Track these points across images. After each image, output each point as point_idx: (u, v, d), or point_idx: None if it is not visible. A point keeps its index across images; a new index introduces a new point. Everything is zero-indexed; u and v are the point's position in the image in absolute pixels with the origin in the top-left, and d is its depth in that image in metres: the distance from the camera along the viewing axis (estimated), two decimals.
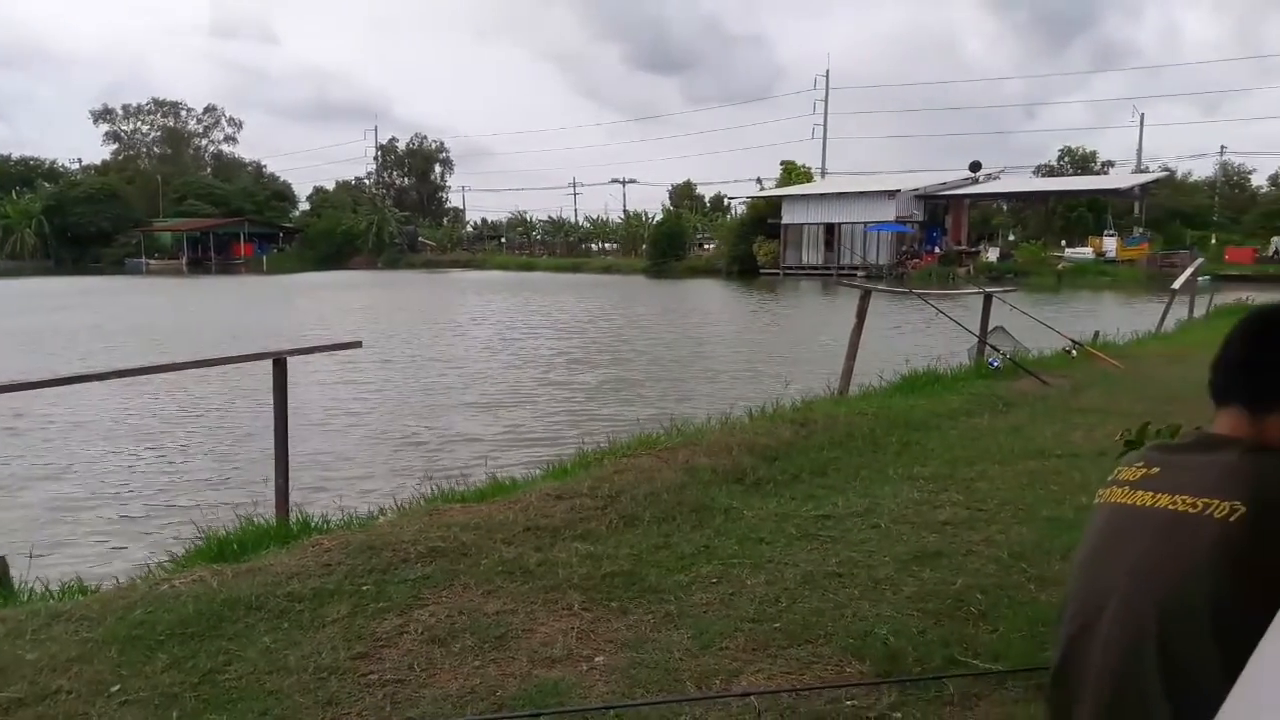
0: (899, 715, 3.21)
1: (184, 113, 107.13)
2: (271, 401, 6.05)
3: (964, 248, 52.42)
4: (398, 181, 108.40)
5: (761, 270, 55.82)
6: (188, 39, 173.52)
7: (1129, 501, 1.71)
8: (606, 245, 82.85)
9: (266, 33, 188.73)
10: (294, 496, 6.17)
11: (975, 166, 57.05)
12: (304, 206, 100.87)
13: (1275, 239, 49.33)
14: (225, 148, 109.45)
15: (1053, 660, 1.82)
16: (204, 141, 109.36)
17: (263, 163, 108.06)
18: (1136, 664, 1.59)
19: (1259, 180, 73.03)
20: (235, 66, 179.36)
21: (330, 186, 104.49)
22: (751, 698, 3.26)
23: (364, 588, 4.28)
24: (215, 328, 26.27)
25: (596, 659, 3.65)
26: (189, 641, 3.75)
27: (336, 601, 4.14)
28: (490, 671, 3.54)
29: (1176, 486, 1.64)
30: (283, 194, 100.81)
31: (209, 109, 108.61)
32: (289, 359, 6.07)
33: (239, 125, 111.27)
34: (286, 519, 5.75)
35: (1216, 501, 1.56)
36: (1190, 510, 1.58)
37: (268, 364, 6.05)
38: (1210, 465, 1.63)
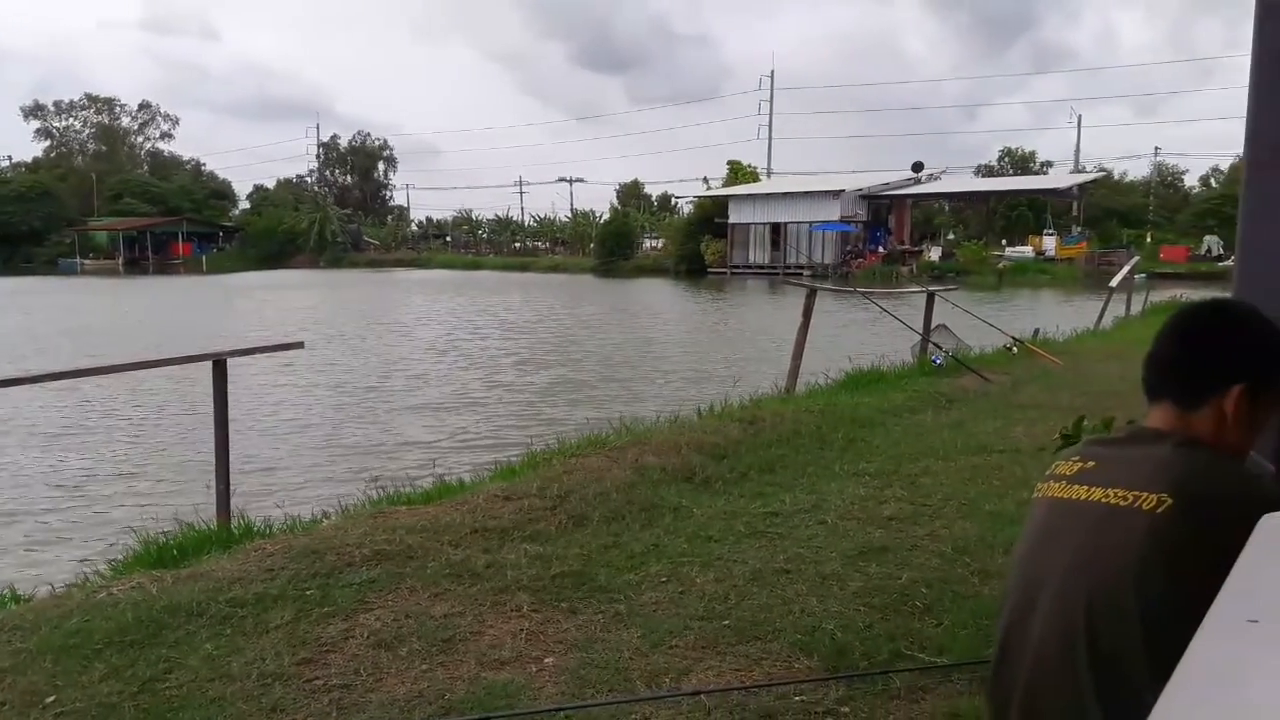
0: (847, 710, 3.24)
1: (118, 109, 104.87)
2: (212, 404, 5.94)
3: (907, 247, 53.14)
4: (340, 180, 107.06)
5: (709, 269, 56.05)
6: (123, 34, 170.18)
7: (1065, 496, 1.73)
8: (551, 244, 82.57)
9: (205, 28, 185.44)
10: (236, 500, 6.07)
11: (918, 167, 57.85)
12: (244, 205, 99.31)
13: (1208, 238, 50.65)
14: (162, 145, 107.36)
15: (992, 654, 1.85)
16: (139, 139, 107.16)
17: (201, 161, 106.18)
18: (1067, 656, 1.61)
19: (1191, 180, 75.18)
20: (173, 62, 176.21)
21: (271, 185, 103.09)
22: (701, 696, 3.27)
23: (308, 592, 4.22)
24: (153, 329, 25.74)
25: (546, 660, 3.63)
26: (128, 650, 3.67)
27: (280, 607, 4.07)
28: (438, 675, 3.51)
29: (1110, 480, 1.67)
30: (222, 192, 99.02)
31: (144, 105, 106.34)
32: (229, 360, 5.97)
33: (175, 122, 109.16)
34: (228, 523, 5.65)
35: (1145, 494, 1.59)
36: (1121, 503, 1.61)
37: (207, 366, 5.94)
38: (1141, 459, 1.67)
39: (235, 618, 3.97)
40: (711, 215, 58.00)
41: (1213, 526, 1.53)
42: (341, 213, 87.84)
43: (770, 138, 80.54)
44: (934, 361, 11.49)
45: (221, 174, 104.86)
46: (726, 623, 3.94)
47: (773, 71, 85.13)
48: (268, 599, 4.14)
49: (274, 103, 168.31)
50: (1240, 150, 2.28)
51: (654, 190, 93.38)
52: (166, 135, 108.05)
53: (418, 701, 3.32)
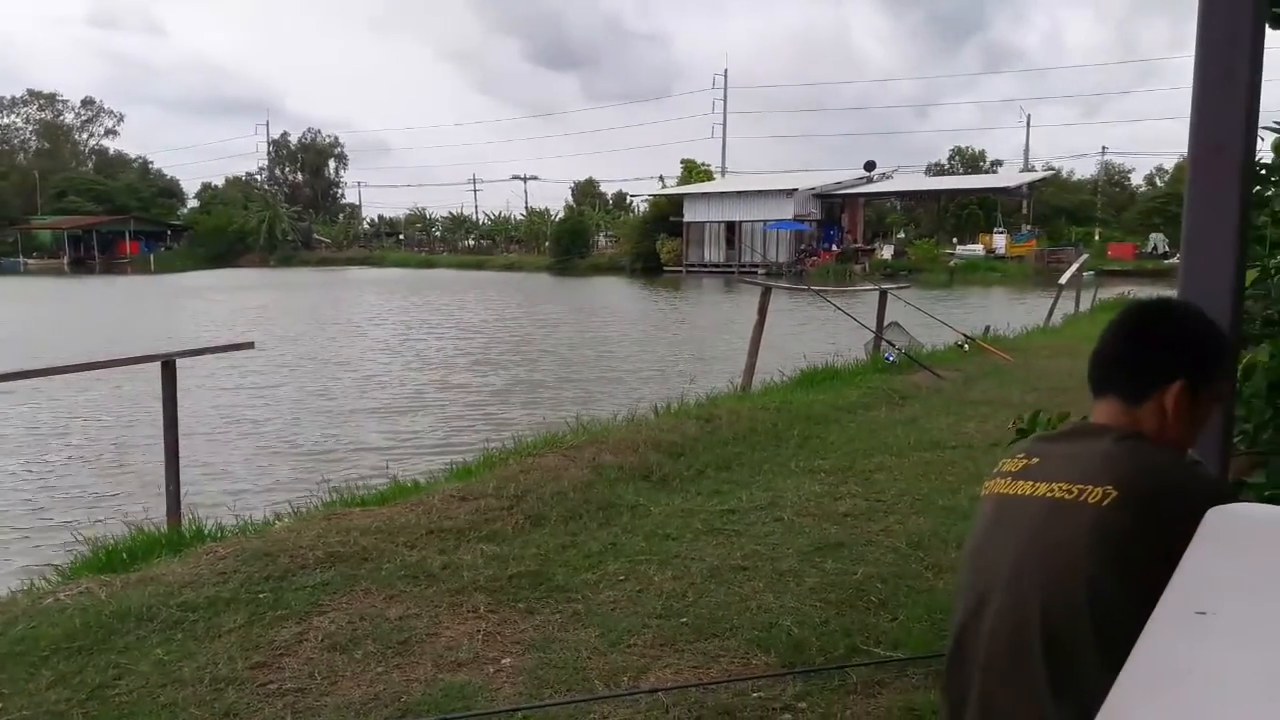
0: (804, 705, 3.26)
1: (61, 105, 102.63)
2: (161, 406, 5.84)
3: (860, 245, 53.58)
4: (290, 177, 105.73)
5: (665, 268, 56.11)
6: (67, 29, 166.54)
7: (1011, 492, 1.76)
8: (506, 242, 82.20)
9: (151, 23, 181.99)
10: (187, 503, 5.97)
11: (870, 166, 58.34)
12: (193, 203, 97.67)
13: (1154, 236, 51.63)
14: (107, 142, 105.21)
15: (947, 648, 1.86)
16: (84, 136, 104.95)
17: (149, 158, 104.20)
18: (1020, 650, 1.63)
19: (1137, 179, 76.66)
20: (118, 58, 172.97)
21: (220, 183, 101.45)
22: (659, 694, 3.27)
23: (261, 595, 4.16)
24: (100, 330, 25.22)
25: (503, 661, 3.62)
26: (75, 656, 3.59)
27: (232, 610, 4.02)
28: (394, 677, 3.48)
29: (1055, 475, 1.69)
30: (170, 190, 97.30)
31: (87, 101, 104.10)
32: (178, 361, 5.87)
33: (120, 118, 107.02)
34: (179, 526, 5.56)
35: (1091, 487, 1.61)
36: (1067, 497, 1.63)
37: (156, 367, 5.84)
38: (1086, 453, 1.69)
39: (187, 622, 3.91)
40: (667, 214, 58.06)
41: (1157, 518, 1.55)
42: (292, 211, 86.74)
43: (724, 136, 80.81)
44: (887, 359, 11.60)
45: (169, 172, 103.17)
46: (684, 620, 3.95)
47: (726, 70, 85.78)
48: (220, 602, 4.08)
49: (222, 99, 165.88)
50: (1184, 149, 2.32)
51: (609, 188, 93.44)
52: (111, 132, 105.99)
53: (374, 704, 3.29)
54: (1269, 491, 2.32)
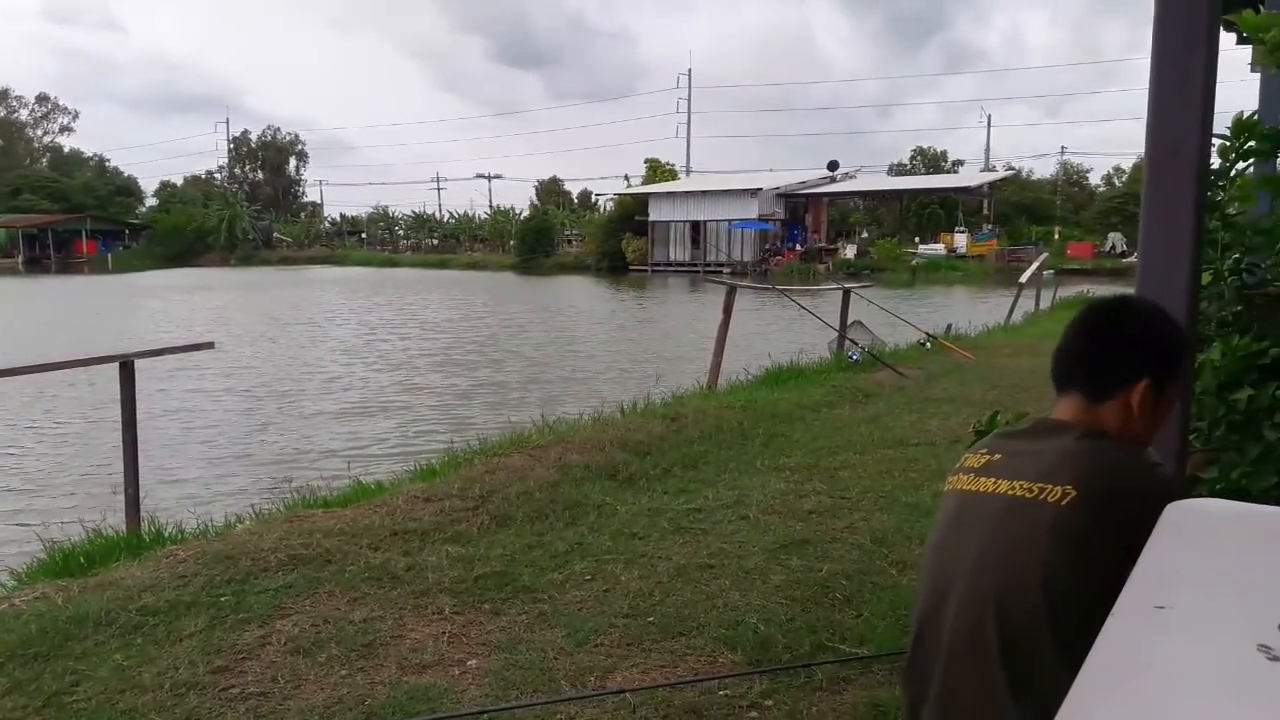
0: (770, 703, 3.27)
1: (14, 101, 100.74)
2: (120, 407, 5.75)
3: (824, 245, 53.86)
4: (251, 176, 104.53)
5: (630, 267, 56.09)
6: (20, 24, 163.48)
7: (972, 488, 1.77)
8: (472, 241, 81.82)
9: (108, 19, 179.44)
10: (146, 506, 5.88)
11: (833, 166, 58.68)
12: (151, 202, 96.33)
13: (1112, 235, 52.34)
14: (63, 140, 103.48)
15: (908, 645, 1.88)
16: (39, 133, 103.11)
17: (106, 156, 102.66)
18: (978, 646, 1.65)
19: (1096, 179, 77.78)
20: (74, 54, 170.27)
21: (179, 181, 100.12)
22: (626, 694, 3.27)
23: (222, 599, 4.12)
24: (56, 331, 24.78)
25: (469, 662, 3.60)
26: (32, 663, 3.53)
27: (193, 614, 3.97)
28: (358, 680, 3.45)
29: (1015, 472, 1.70)
30: (128, 189, 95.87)
31: (41, 98, 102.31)
32: (137, 362, 5.78)
33: (75, 115, 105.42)
34: (138, 529, 5.48)
35: (1050, 486, 1.63)
36: (1027, 495, 1.65)
37: (114, 368, 5.75)
38: (1046, 451, 1.71)
39: (146, 626, 3.85)
40: (632, 213, 58.04)
41: (1116, 518, 1.57)
42: (252, 209, 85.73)
43: (689, 136, 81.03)
44: (850, 357, 11.68)
45: (127, 170, 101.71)
46: (651, 619, 3.95)
47: (690, 70, 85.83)
48: (180, 606, 4.03)
49: (181, 97, 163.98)
50: (1142, 150, 2.35)
51: (573, 187, 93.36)
52: (67, 129, 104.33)
53: (338, 708, 3.26)
54: (1221, 486, 2.37)
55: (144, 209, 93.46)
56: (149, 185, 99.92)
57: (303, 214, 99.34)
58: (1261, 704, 0.79)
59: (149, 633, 3.81)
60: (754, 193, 53.15)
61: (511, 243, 69.68)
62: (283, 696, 3.34)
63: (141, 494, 5.84)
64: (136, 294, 41.43)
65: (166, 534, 5.36)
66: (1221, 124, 2.45)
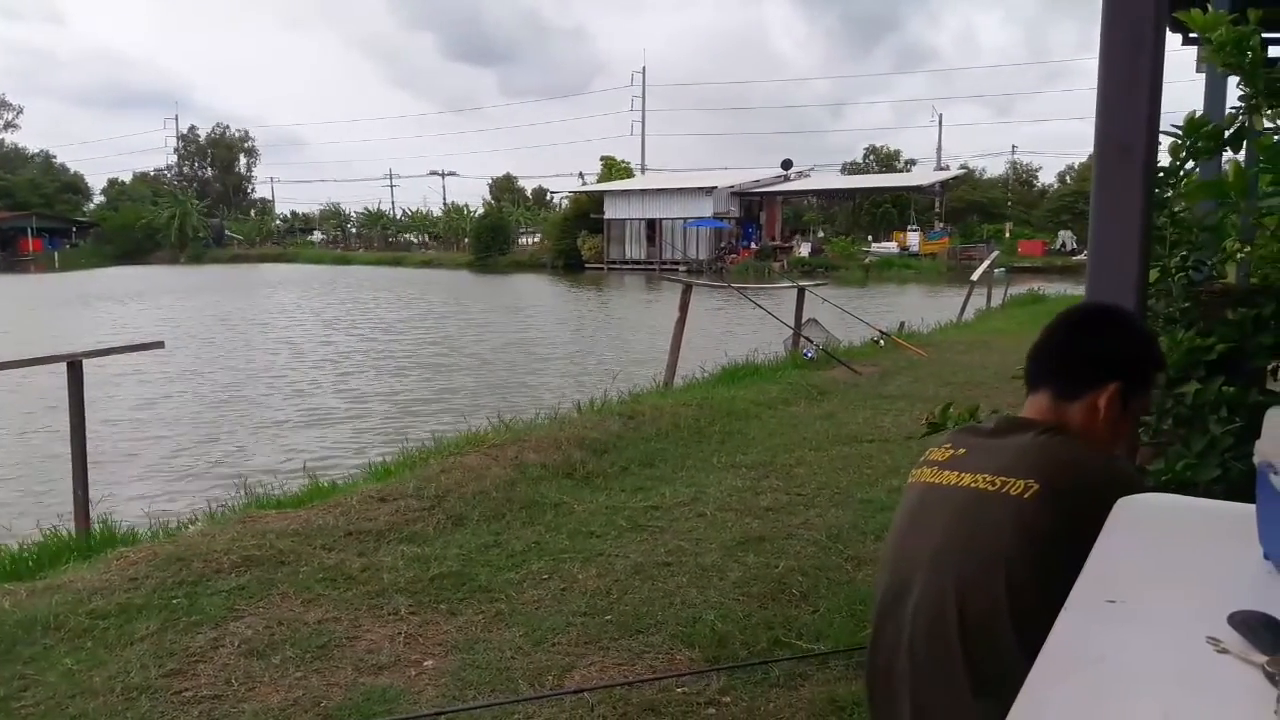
0: (728, 700, 3.28)
1: None
2: (67, 408, 5.64)
3: (778, 243, 54.16)
4: (200, 173, 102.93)
5: (586, 265, 55.96)
6: None
7: (936, 481, 1.78)
8: (427, 238, 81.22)
9: (50, 12, 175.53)
10: (95, 508, 5.77)
11: (787, 164, 59.01)
12: (99, 199, 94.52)
13: (1063, 233, 53.17)
14: (6, 136, 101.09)
15: (868, 637, 1.89)
16: None
17: (52, 153, 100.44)
18: (939, 638, 1.66)
19: (1047, 177, 79.01)
20: (16, 48, 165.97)
21: (127, 178, 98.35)
22: (584, 693, 3.27)
23: (174, 601, 4.05)
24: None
25: (426, 663, 3.58)
26: None
27: (145, 617, 3.90)
28: (313, 682, 3.41)
29: (979, 466, 1.72)
30: (75, 186, 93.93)
31: None
32: (85, 361, 5.67)
33: (19, 111, 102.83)
34: (88, 531, 5.38)
35: (1013, 480, 1.65)
36: (990, 489, 1.67)
37: (61, 368, 5.64)
38: (1010, 446, 1.72)
39: (97, 630, 3.78)
40: (588, 210, 57.93)
41: (1078, 512, 1.59)
42: (203, 207, 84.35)
43: (643, 134, 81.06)
44: (805, 355, 11.77)
45: (73, 167, 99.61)
46: (609, 618, 3.95)
47: (644, 68, 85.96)
48: (131, 609, 3.96)
49: (128, 92, 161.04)
50: (1091, 148, 2.39)
51: (528, 185, 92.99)
52: (11, 125, 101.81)
53: (293, 710, 3.23)
54: (1167, 477, 2.41)
55: (92, 206, 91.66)
56: (97, 182, 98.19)
57: (253, 211, 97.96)
58: (1210, 695, 0.80)
59: (99, 636, 3.74)
60: (709, 191, 53.29)
61: (466, 240, 69.25)
62: (236, 699, 3.29)
63: (91, 495, 5.73)
64: (86, 292, 40.52)
65: (117, 536, 5.27)
66: (1168, 123, 2.50)
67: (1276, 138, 2.46)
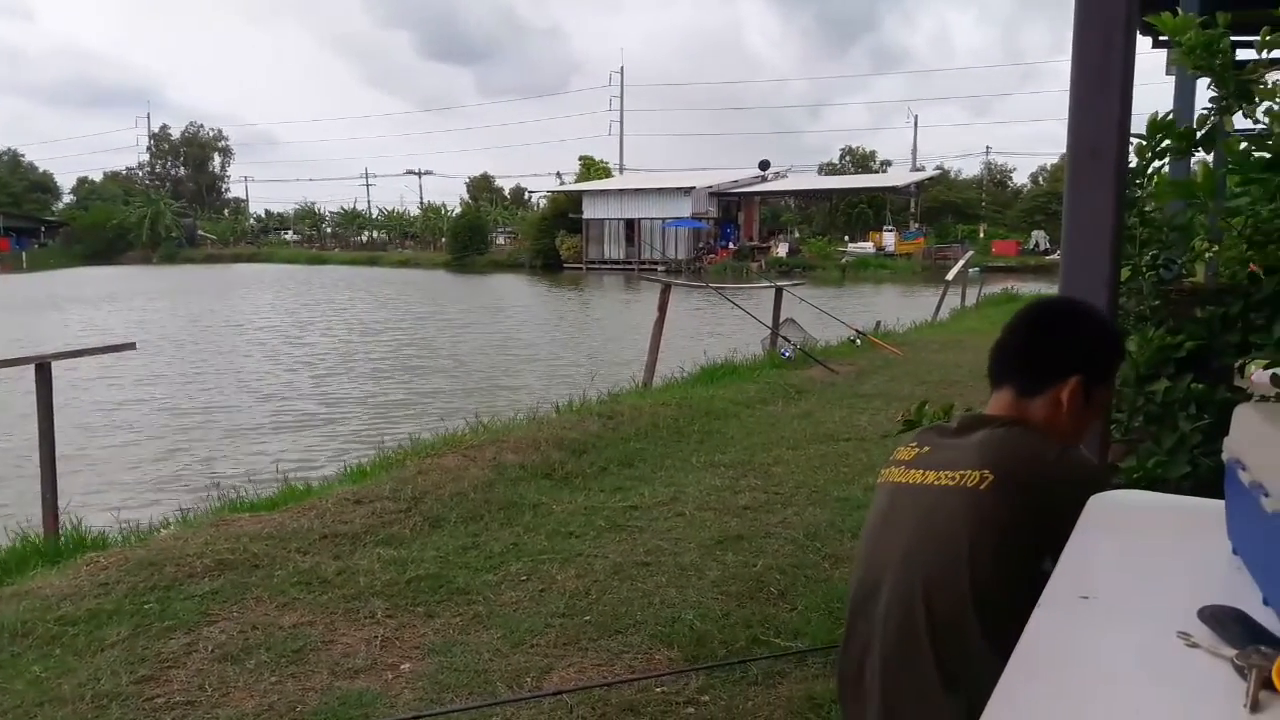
0: (707, 699, 3.29)
1: None
2: (35, 411, 5.58)
3: (756, 243, 54.32)
4: (173, 172, 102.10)
5: (565, 264, 55.92)
6: None
7: (902, 480, 1.80)
8: (403, 238, 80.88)
9: (17, 7, 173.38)
10: (65, 512, 5.70)
11: (764, 165, 59.21)
12: (69, 199, 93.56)
13: (1036, 233, 53.65)
14: None
15: (841, 636, 1.90)
16: None
17: (19, 151, 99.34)
18: (909, 634, 1.67)
19: (1020, 178, 79.60)
20: None
21: (98, 177, 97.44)
22: (563, 695, 3.26)
23: (146, 606, 4.01)
24: None
25: (403, 666, 3.56)
26: None
27: (116, 622, 3.86)
28: (289, 687, 3.39)
29: (941, 463, 1.74)
30: (44, 185, 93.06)
31: None
32: (54, 364, 5.61)
33: None
34: (56, 536, 5.32)
35: (970, 472, 1.66)
36: (950, 484, 1.68)
37: (29, 370, 5.57)
38: (971, 442, 1.74)
39: (66, 636, 3.74)
40: (566, 210, 57.86)
41: (1033, 502, 1.61)
42: (176, 207, 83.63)
43: (622, 134, 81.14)
44: (783, 354, 11.80)
45: (43, 165, 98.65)
46: (588, 618, 3.95)
47: (622, 68, 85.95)
48: (102, 615, 3.91)
49: (98, 90, 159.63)
50: (1063, 149, 2.41)
51: (505, 184, 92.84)
52: None
53: (268, 715, 3.20)
54: (1138, 474, 2.44)
55: (61, 206, 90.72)
56: (66, 181, 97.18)
57: (227, 211, 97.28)
58: (1182, 688, 0.81)
59: (68, 643, 3.69)
60: (687, 191, 53.37)
61: (443, 240, 68.99)
62: (211, 705, 3.26)
63: (60, 500, 5.66)
64: (52, 292, 40.06)
65: (87, 540, 5.21)
66: (1140, 125, 2.52)
67: (1243, 144, 2.49)
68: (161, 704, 3.26)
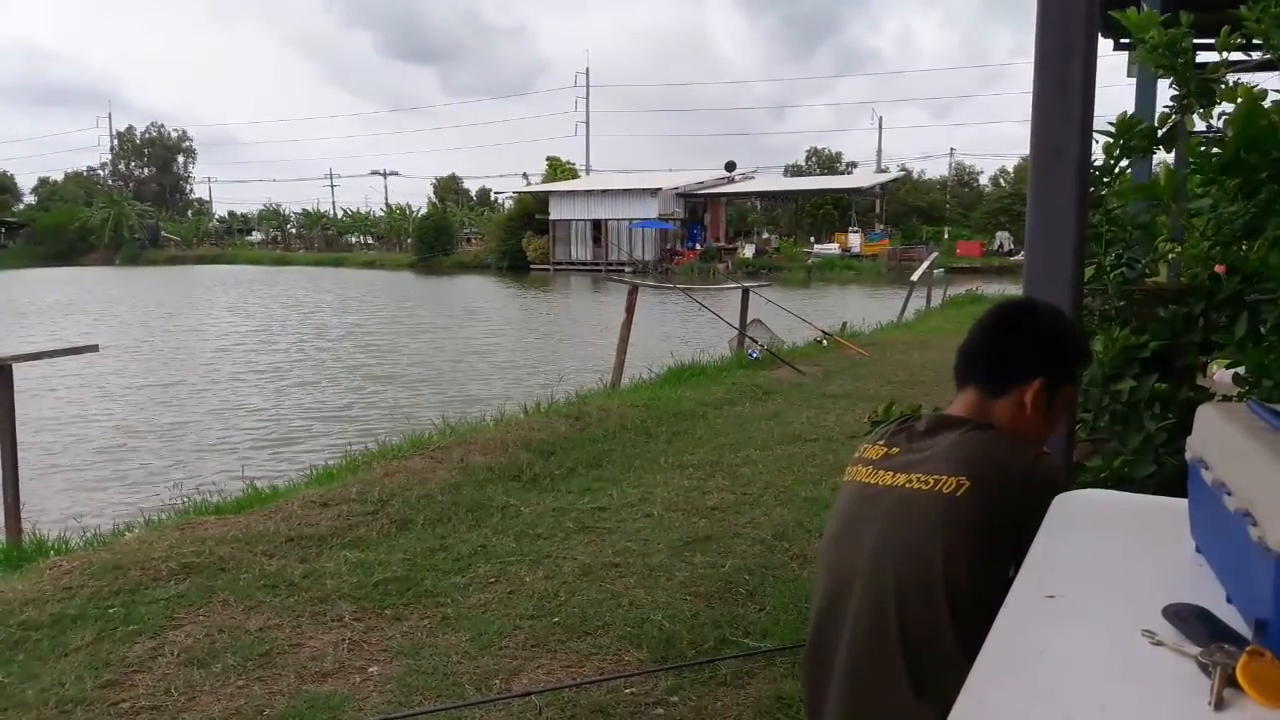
0: (676, 699, 3.29)
1: None
2: None
3: (723, 244, 54.47)
4: (136, 172, 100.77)
5: (532, 266, 55.78)
6: None
7: (871, 481, 1.80)
8: (368, 239, 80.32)
9: None
10: (27, 516, 5.61)
11: (730, 166, 59.43)
12: (30, 199, 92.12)
13: (1000, 234, 54.21)
14: None
15: (806, 637, 1.90)
16: None
17: None
18: (879, 637, 1.67)
19: (984, 180, 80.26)
20: None
21: (59, 178, 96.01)
22: (532, 696, 3.25)
23: (111, 610, 3.96)
24: None
25: (370, 669, 3.53)
26: None
27: (80, 627, 3.80)
28: (255, 691, 3.35)
29: (911, 466, 1.74)
30: (4, 186, 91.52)
31: None
32: (15, 366, 5.51)
33: None
34: (19, 540, 5.24)
35: (945, 477, 1.67)
36: (923, 488, 1.68)
37: None
38: (941, 444, 1.74)
39: (29, 641, 3.68)
40: (533, 211, 57.71)
41: (1007, 507, 1.62)
42: (140, 207, 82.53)
43: (588, 135, 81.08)
44: (750, 355, 11.84)
45: (2, 166, 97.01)
46: (556, 620, 3.94)
47: (588, 69, 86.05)
48: (66, 619, 3.86)
49: (59, 89, 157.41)
50: (1027, 151, 2.43)
51: (472, 185, 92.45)
52: None
53: (234, 719, 3.17)
54: (1105, 474, 2.47)
55: (21, 207, 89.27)
56: (26, 181, 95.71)
57: (190, 212, 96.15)
58: (1147, 686, 0.82)
59: (31, 648, 3.64)
60: (654, 192, 53.41)
61: (409, 241, 68.58)
62: (177, 709, 3.22)
63: (22, 504, 5.57)
64: (10, 293, 39.39)
65: (49, 544, 5.14)
66: (1101, 124, 2.55)
67: (1203, 145, 2.53)
68: (126, 709, 3.22)
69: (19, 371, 5.65)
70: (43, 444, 10.07)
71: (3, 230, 78.62)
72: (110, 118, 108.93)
